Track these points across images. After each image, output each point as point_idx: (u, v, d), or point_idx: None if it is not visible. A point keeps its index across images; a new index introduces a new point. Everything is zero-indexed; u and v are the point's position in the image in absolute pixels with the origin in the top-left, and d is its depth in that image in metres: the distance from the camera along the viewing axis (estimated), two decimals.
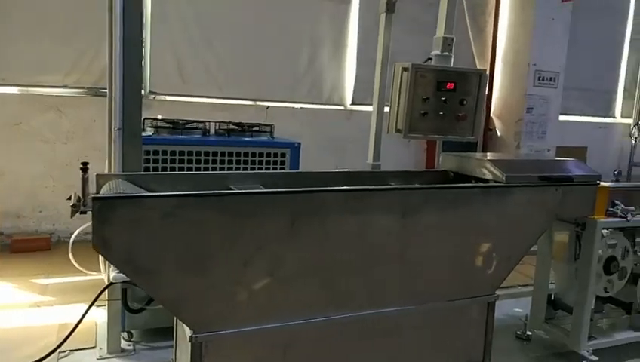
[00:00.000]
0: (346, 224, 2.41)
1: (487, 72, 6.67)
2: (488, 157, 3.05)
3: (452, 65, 2.71)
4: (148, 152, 3.09)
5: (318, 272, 2.39)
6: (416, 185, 2.59)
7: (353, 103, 6.27)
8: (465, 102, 2.67)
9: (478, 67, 6.73)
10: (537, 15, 6.27)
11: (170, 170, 3.15)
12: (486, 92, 6.65)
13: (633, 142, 7.53)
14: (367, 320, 2.52)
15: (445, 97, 2.64)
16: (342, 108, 6.21)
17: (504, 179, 2.82)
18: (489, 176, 2.92)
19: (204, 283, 2.13)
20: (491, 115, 6.86)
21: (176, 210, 2.00)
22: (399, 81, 2.58)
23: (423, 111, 2.62)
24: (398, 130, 2.69)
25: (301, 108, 5.85)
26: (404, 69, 2.55)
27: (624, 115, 7.61)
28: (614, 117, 7.63)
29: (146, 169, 3.09)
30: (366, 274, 2.50)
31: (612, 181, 3.87)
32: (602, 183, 3.36)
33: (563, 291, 3.62)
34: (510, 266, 2.96)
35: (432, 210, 2.62)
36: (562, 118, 7.24)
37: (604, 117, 7.58)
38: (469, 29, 6.53)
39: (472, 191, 2.76)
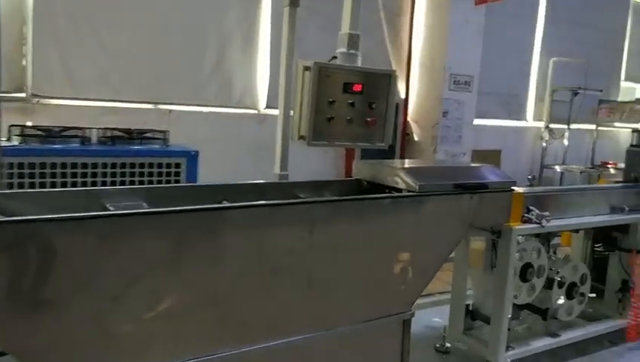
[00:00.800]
0: (241, 246, 2.10)
1: (405, 75, 6.64)
2: (401, 165, 2.85)
3: (360, 64, 2.47)
4: (12, 165, 2.61)
5: (210, 303, 2.06)
6: (321, 198, 2.33)
7: (267, 107, 5.95)
8: (374, 105, 2.44)
9: (396, 70, 6.66)
10: (452, 18, 6.28)
11: (41, 186, 2.69)
12: (402, 95, 6.63)
13: (544, 145, 7.78)
14: (268, 353, 2.22)
15: (353, 100, 2.40)
16: (255, 111, 5.87)
17: (417, 188, 2.62)
18: (402, 185, 2.72)
19: (61, 327, 1.74)
20: (408, 119, 6.80)
21: (21, 237, 1.61)
22: (301, 81, 2.30)
23: (328, 116, 2.36)
24: (301, 137, 2.41)
25: (209, 112, 5.45)
26: (306, 68, 2.28)
27: (536, 118, 7.85)
28: (526, 120, 7.85)
29: (10, 186, 2.61)
30: (267, 301, 2.20)
31: (527, 186, 3.82)
32: (517, 189, 3.28)
33: (481, 300, 3.51)
34: (426, 280, 2.77)
35: (339, 225, 2.37)
36: (477, 121, 7.33)
37: (517, 120, 7.78)
38: (384, 32, 6.43)
39: (383, 202, 2.53)
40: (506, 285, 3.19)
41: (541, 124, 7.83)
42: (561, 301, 3.63)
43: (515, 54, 7.61)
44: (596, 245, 4.15)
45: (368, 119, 2.44)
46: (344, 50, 2.41)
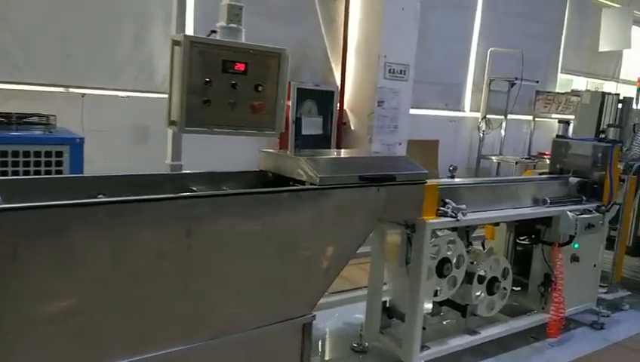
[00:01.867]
0: (103, 249, 1.83)
1: (341, 62, 6.42)
2: (305, 156, 2.63)
3: (243, 40, 2.21)
4: None
5: (59, 317, 1.78)
6: (200, 193, 2.06)
7: None
8: (261, 87, 2.19)
9: (331, 59, 6.45)
10: (387, 4, 6.08)
11: None
12: (338, 83, 6.42)
13: (481, 135, 7.76)
14: None
15: (235, 81, 2.14)
16: None
17: (318, 180, 2.41)
18: (304, 178, 2.50)
19: None
20: (345, 108, 6.59)
21: None
22: (171, 58, 2.02)
23: (205, 99, 2.09)
24: (172, 123, 2.13)
25: (128, 96, 5.07)
26: (176, 43, 2.00)
27: (473, 108, 7.82)
28: (464, 111, 7.80)
29: None
30: (132, 311, 1.93)
31: (448, 177, 3.68)
32: (431, 181, 3.12)
33: (397, 297, 3.35)
34: (329, 279, 2.56)
35: (226, 222, 2.12)
36: (414, 111, 7.22)
37: (455, 110, 7.72)
38: (319, 17, 6.18)
39: (280, 196, 2.30)
40: (420, 282, 3.03)
41: (478, 115, 7.79)
42: (481, 296, 3.52)
43: (453, 44, 7.53)
44: (521, 237, 4.08)
45: (255, 103, 2.19)
46: (224, 23, 2.14)
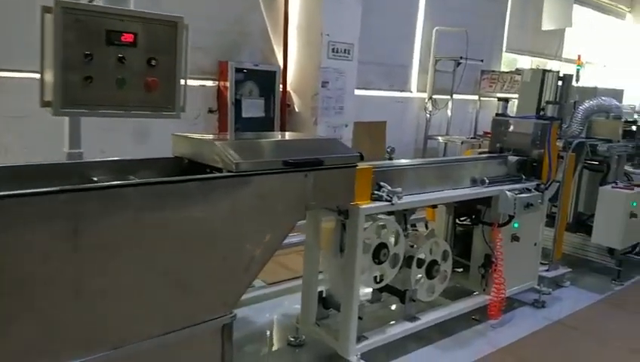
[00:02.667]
0: None
1: (282, 41, 6.17)
2: (223, 140, 2.41)
3: (132, 7, 1.95)
4: None
5: None
6: (87, 186, 1.82)
7: None
8: (155, 61, 1.94)
9: (272, 37, 6.18)
10: None
11: None
12: (280, 63, 6.17)
13: (428, 116, 7.70)
14: None
15: (122, 54, 1.89)
16: None
17: (234, 167, 2.20)
18: (220, 164, 2.29)
19: None
20: (288, 89, 6.37)
21: None
22: (42, 29, 1.75)
23: (85, 76, 1.84)
24: (46, 104, 1.86)
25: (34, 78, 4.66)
26: (47, 10, 1.73)
27: (419, 89, 7.74)
28: (411, 91, 7.71)
29: None
30: (20, 324, 1.69)
31: (387, 159, 3.54)
32: (364, 164, 2.96)
33: (333, 286, 3.20)
34: (251, 274, 2.38)
35: (120, 218, 1.89)
36: (361, 92, 7.07)
37: (402, 91, 7.62)
38: None
39: (187, 186, 2.08)
40: (355, 270, 2.89)
41: (425, 95, 7.72)
42: (421, 281, 3.43)
43: (398, 23, 7.38)
44: (461, 218, 4.01)
45: (148, 79, 1.95)
46: None
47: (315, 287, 3.22)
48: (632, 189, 4.58)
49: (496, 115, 4.24)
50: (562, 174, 4.43)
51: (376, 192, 3.00)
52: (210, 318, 2.21)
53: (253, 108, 5.96)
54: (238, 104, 5.83)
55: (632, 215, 4.52)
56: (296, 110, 6.38)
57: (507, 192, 3.56)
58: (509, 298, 4.04)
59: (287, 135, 2.65)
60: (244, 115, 5.88)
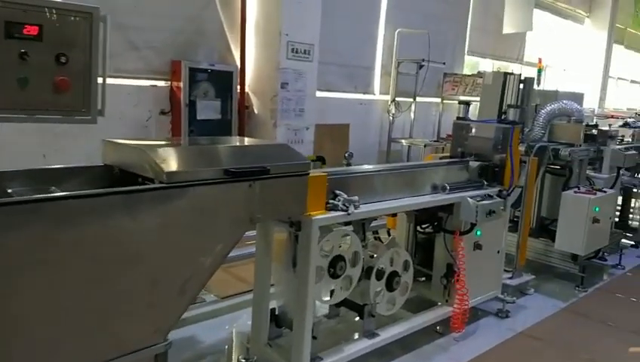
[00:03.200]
0: None
1: (239, 40, 5.91)
2: (156, 146, 2.16)
3: None
4: None
5: None
6: None
7: None
8: (64, 58, 1.69)
9: (229, 36, 5.92)
10: None
11: None
12: (238, 63, 5.90)
13: (391, 118, 7.57)
14: None
15: (25, 49, 1.62)
16: None
17: (165, 177, 1.95)
18: (151, 174, 2.03)
19: None
20: (247, 90, 6.11)
21: None
22: None
23: None
24: None
25: None
26: None
27: (383, 91, 7.60)
28: (374, 93, 7.56)
29: None
30: None
31: (345, 165, 3.34)
32: (318, 171, 2.76)
33: (286, 303, 2.97)
34: (187, 298, 2.13)
35: (32, 236, 1.62)
36: (323, 94, 6.89)
37: (365, 93, 7.46)
38: None
39: (108, 200, 1.82)
40: (308, 285, 2.67)
41: (388, 97, 7.58)
42: (381, 293, 3.24)
43: (360, 24, 7.23)
44: (423, 225, 3.84)
45: (58, 79, 1.69)
46: None
47: (267, 304, 2.99)
48: (595, 194, 4.52)
49: (458, 118, 4.11)
50: (525, 179, 4.33)
51: (331, 201, 2.79)
52: (140, 347, 1.95)
53: (208, 110, 5.68)
54: (192, 106, 5.55)
55: (595, 220, 4.45)
56: (256, 112, 6.14)
57: (469, 199, 3.41)
58: (474, 308, 3.91)
59: (233, 140, 2.41)
60: (199, 117, 5.60)
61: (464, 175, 3.70)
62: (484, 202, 3.42)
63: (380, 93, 7.61)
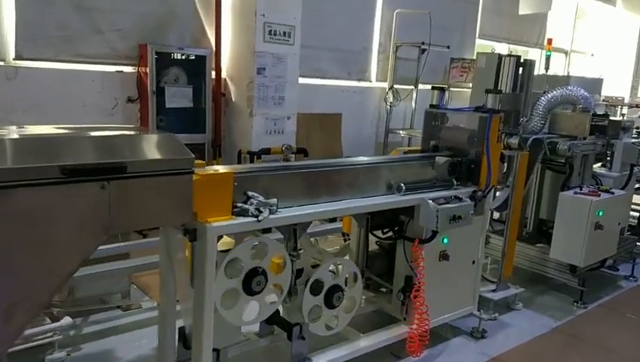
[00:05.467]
0: None
1: (214, 21, 5.45)
2: None
3: None
4: None
5: None
6: None
7: (19, 58, 4.58)
8: None
9: (203, 18, 5.47)
10: None
11: None
12: (213, 46, 5.44)
13: (388, 107, 7.00)
14: None
15: None
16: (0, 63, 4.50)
17: None
18: None
19: None
20: (224, 75, 5.67)
21: None
22: None
23: None
24: None
25: None
26: None
27: (380, 78, 7.02)
28: (370, 80, 7.00)
29: None
30: None
31: (283, 160, 2.86)
32: (223, 168, 2.29)
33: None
34: (16, 326, 1.69)
35: None
36: (311, 81, 6.38)
37: (359, 80, 6.90)
38: None
39: None
40: (204, 304, 2.20)
41: (385, 85, 7.00)
42: (321, 310, 2.75)
43: (355, 4, 6.65)
44: (384, 230, 3.32)
45: None
46: None
47: (173, 322, 2.54)
48: (599, 195, 3.88)
49: (430, 106, 3.55)
50: (512, 177, 3.75)
51: (239, 205, 2.31)
52: None
53: (178, 97, 5.26)
54: (161, 93, 5.14)
55: (598, 226, 3.82)
56: (233, 100, 5.69)
57: (429, 202, 2.87)
58: (446, 325, 3.39)
59: (95, 129, 1.95)
60: (168, 105, 5.19)
61: (430, 173, 3.15)
62: (447, 206, 2.87)
63: (377, 80, 7.03)
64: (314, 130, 6.46)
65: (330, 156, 5.93)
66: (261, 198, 2.35)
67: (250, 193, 2.35)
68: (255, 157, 5.19)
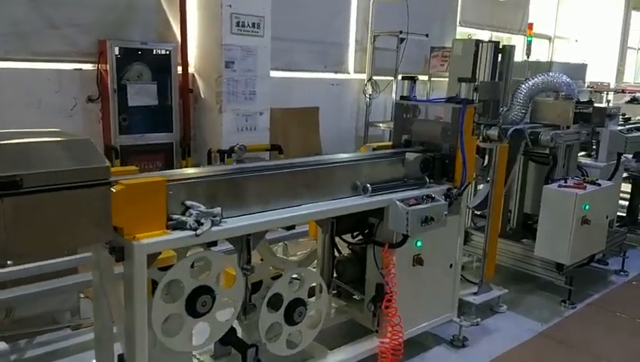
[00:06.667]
0: None
1: (179, 13, 5.15)
2: None
3: None
4: None
5: None
6: None
7: None
8: None
9: (167, 11, 5.17)
10: None
11: None
12: (178, 39, 5.12)
13: (367, 99, 6.73)
14: None
15: None
16: None
17: None
18: None
19: None
20: (192, 71, 5.37)
21: None
22: None
23: None
24: None
25: None
26: None
27: (358, 69, 6.75)
28: (347, 72, 6.72)
29: None
30: None
31: (235, 161, 2.58)
32: (154, 176, 2.01)
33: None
34: None
35: None
36: (285, 74, 6.10)
37: (336, 72, 6.62)
38: None
39: None
40: (135, 328, 1.93)
41: (364, 76, 6.73)
42: (278, 327, 2.49)
43: None
44: (356, 233, 3.06)
45: None
46: None
47: (111, 347, 2.26)
48: (584, 188, 3.64)
49: (401, 97, 3.28)
50: (491, 171, 3.50)
51: (175, 217, 2.03)
52: None
53: (142, 95, 4.95)
54: (123, 91, 4.83)
55: (584, 221, 3.58)
56: (202, 96, 5.40)
57: (397, 203, 2.61)
58: (426, 332, 3.14)
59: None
60: (131, 103, 4.88)
61: (400, 170, 2.89)
62: (418, 207, 2.61)
63: (355, 72, 6.75)
64: (291, 125, 6.18)
65: (307, 154, 5.67)
66: (202, 208, 2.08)
67: (188, 203, 2.07)
68: (226, 156, 4.93)
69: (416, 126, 3.19)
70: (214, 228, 2.05)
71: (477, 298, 3.49)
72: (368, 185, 2.63)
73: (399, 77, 6.76)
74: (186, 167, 5.09)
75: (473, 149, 3.03)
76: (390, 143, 3.32)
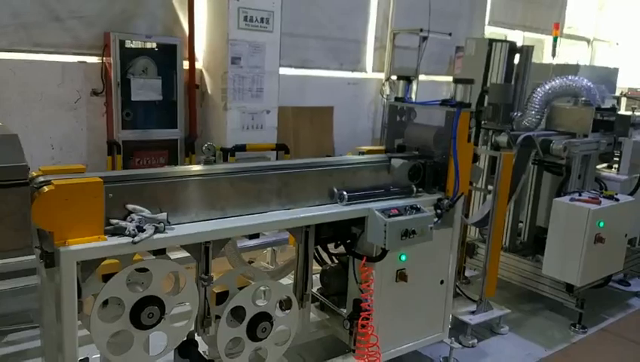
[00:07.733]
0: None
1: (187, 6, 5.04)
2: None
3: None
4: None
5: None
6: None
7: None
8: None
9: (176, 6, 5.07)
10: None
11: None
12: (187, 32, 4.99)
13: (385, 100, 6.47)
14: None
15: None
16: None
17: None
18: None
19: None
20: (199, 66, 5.26)
21: None
22: None
23: None
24: None
25: None
26: None
27: (376, 68, 6.50)
28: (365, 71, 6.48)
29: None
30: None
31: (201, 162, 2.41)
32: (89, 176, 1.85)
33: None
34: None
35: None
36: (298, 72, 5.92)
37: (353, 71, 6.39)
38: None
39: None
40: (63, 341, 1.79)
41: (382, 76, 6.48)
42: (240, 343, 2.31)
43: None
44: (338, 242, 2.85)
45: None
46: None
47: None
48: (599, 203, 3.32)
49: (395, 99, 3.05)
50: (495, 180, 3.22)
51: (115, 221, 1.87)
52: None
53: (146, 89, 4.86)
54: (127, 85, 4.76)
55: (598, 239, 3.26)
56: (209, 93, 5.28)
57: (377, 213, 2.39)
58: (416, 352, 2.91)
59: None
60: (134, 98, 4.79)
61: (385, 178, 2.66)
62: (397, 218, 2.38)
63: (374, 71, 6.50)
64: (303, 124, 6.00)
65: (317, 155, 5.49)
66: (146, 213, 1.92)
67: (130, 207, 1.91)
68: (229, 154, 4.79)
69: (409, 130, 2.95)
70: (157, 236, 1.89)
71: (474, 317, 3.22)
72: (344, 193, 2.42)
73: (421, 77, 6.50)
74: (190, 164, 5.00)
75: (469, 157, 2.77)
76: (383, 148, 3.08)
